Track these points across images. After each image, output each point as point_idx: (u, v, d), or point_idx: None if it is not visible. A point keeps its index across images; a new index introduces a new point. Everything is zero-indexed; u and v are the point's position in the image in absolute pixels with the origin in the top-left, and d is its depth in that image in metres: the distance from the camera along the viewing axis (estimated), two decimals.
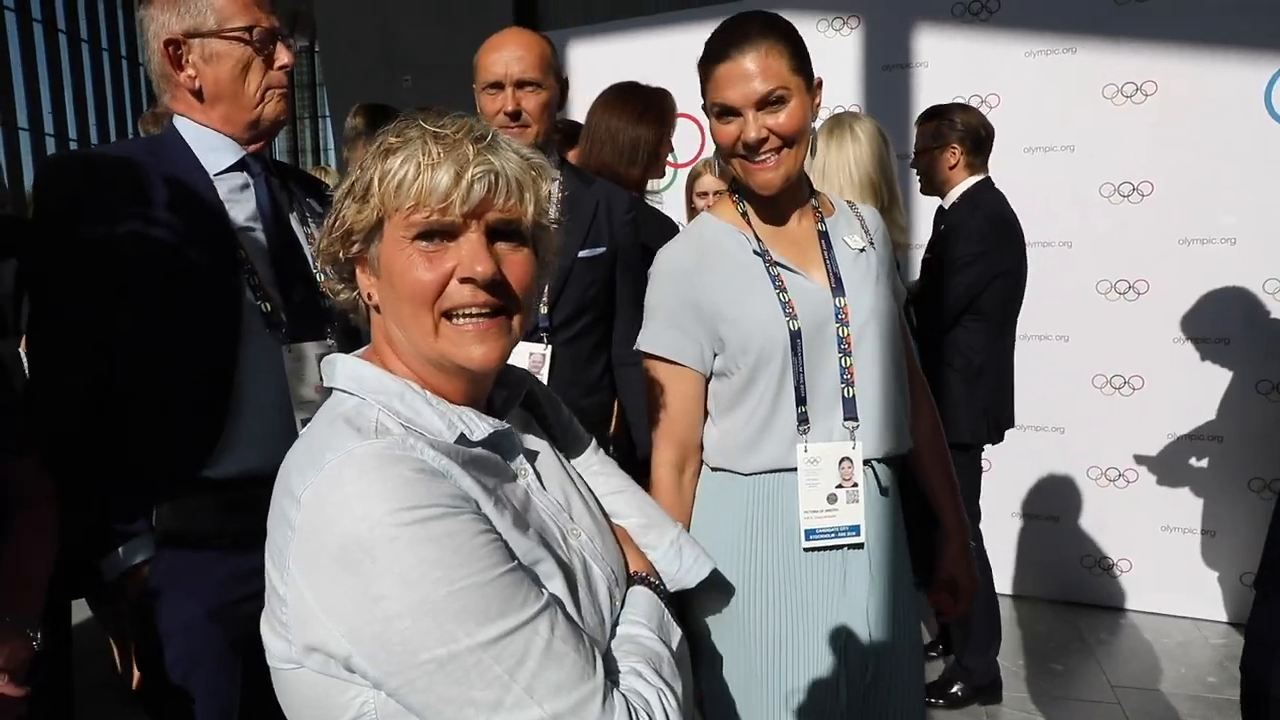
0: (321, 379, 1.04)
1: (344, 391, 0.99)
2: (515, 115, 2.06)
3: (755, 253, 1.58)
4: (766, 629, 1.53)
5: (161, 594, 1.52)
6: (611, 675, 0.91)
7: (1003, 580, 4.23)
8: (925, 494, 1.81)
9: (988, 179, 3.18)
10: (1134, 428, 3.95)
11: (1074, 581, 4.13)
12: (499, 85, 2.07)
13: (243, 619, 1.47)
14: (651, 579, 1.11)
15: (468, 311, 0.95)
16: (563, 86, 2.19)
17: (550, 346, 2.08)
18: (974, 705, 3.24)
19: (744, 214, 1.62)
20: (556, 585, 0.94)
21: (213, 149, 1.61)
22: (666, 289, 1.60)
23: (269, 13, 1.60)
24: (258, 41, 1.57)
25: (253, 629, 1.48)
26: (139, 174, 1.53)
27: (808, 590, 1.55)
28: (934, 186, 3.25)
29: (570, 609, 0.93)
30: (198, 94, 1.61)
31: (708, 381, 1.62)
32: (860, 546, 1.56)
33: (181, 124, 1.63)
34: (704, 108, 1.57)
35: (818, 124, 1.69)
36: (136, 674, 1.57)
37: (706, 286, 1.56)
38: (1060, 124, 3.94)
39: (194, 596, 1.52)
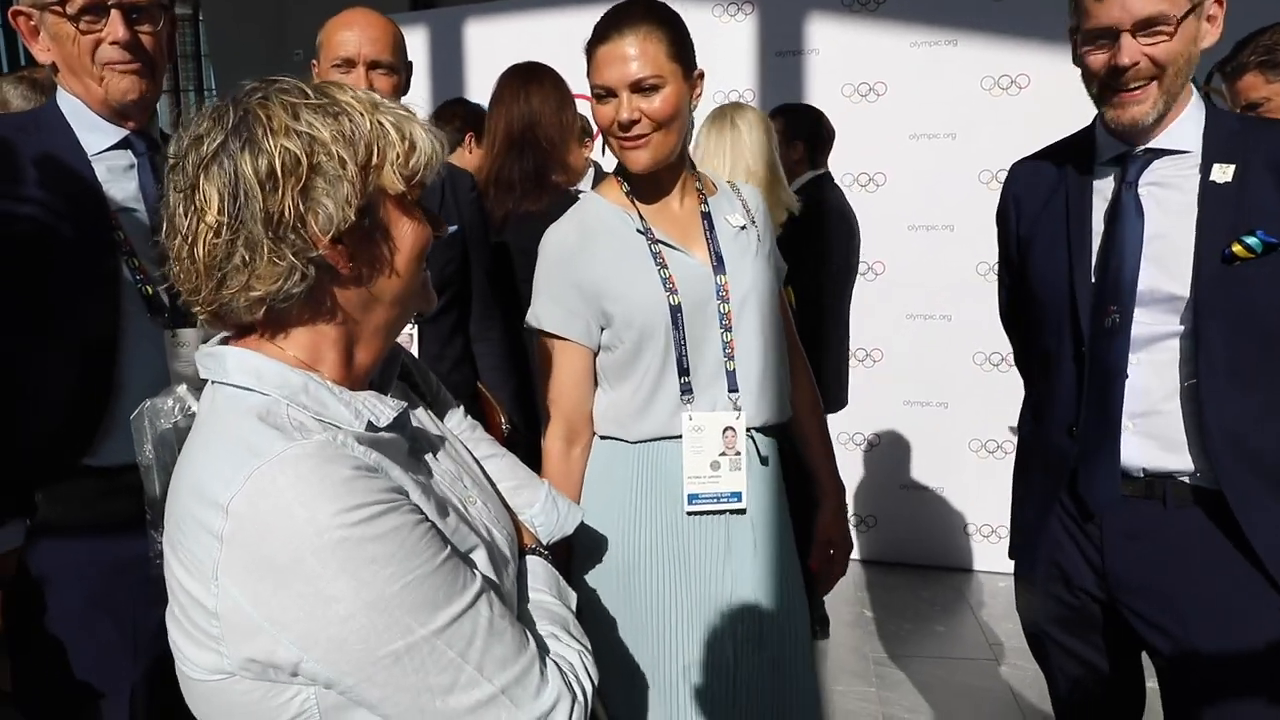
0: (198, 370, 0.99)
1: (240, 388, 0.92)
2: None
3: (638, 231, 1.64)
4: (653, 590, 1.61)
5: (39, 582, 1.48)
6: (538, 641, 0.96)
7: (892, 549, 4.43)
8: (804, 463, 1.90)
9: (828, 173, 3.41)
10: (1012, 401, 4.14)
11: (957, 548, 4.35)
12: (350, 63, 2.00)
13: (126, 605, 1.46)
14: (540, 550, 1.16)
15: None
16: (408, 74, 2.14)
17: (417, 325, 2.11)
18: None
19: (628, 194, 1.68)
20: (480, 560, 0.97)
21: (92, 128, 1.55)
22: (551, 269, 1.65)
23: None
24: (74, 16, 1.48)
25: (136, 616, 1.47)
26: (6, 151, 1.47)
27: (692, 553, 1.62)
28: None
29: (495, 581, 0.97)
30: (55, 68, 1.54)
31: (596, 355, 1.68)
32: (742, 513, 1.64)
33: (62, 98, 1.56)
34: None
35: (701, 111, 1.75)
36: None
37: (589, 265, 1.62)
38: (943, 113, 4.11)
39: (74, 584, 1.49)
